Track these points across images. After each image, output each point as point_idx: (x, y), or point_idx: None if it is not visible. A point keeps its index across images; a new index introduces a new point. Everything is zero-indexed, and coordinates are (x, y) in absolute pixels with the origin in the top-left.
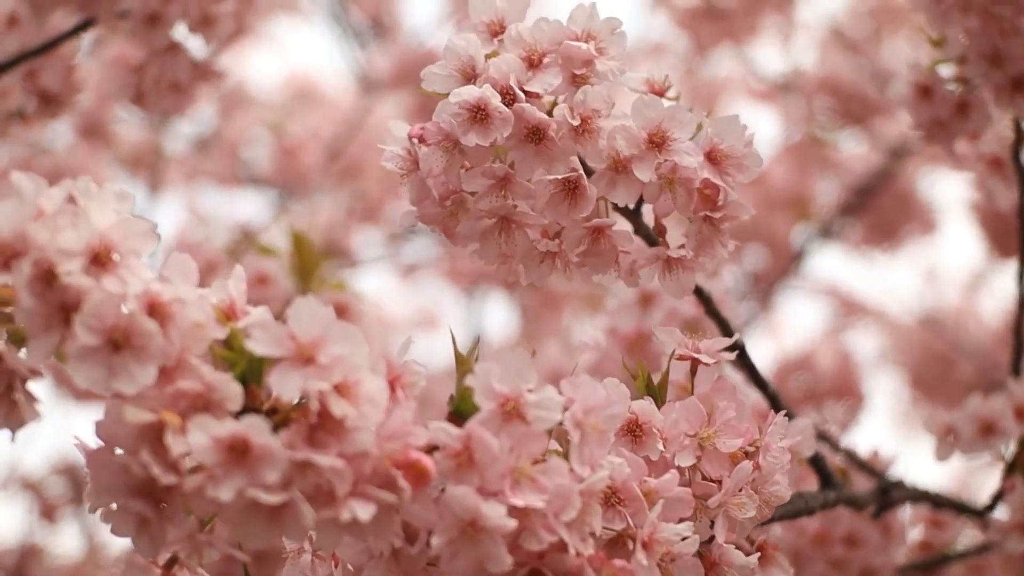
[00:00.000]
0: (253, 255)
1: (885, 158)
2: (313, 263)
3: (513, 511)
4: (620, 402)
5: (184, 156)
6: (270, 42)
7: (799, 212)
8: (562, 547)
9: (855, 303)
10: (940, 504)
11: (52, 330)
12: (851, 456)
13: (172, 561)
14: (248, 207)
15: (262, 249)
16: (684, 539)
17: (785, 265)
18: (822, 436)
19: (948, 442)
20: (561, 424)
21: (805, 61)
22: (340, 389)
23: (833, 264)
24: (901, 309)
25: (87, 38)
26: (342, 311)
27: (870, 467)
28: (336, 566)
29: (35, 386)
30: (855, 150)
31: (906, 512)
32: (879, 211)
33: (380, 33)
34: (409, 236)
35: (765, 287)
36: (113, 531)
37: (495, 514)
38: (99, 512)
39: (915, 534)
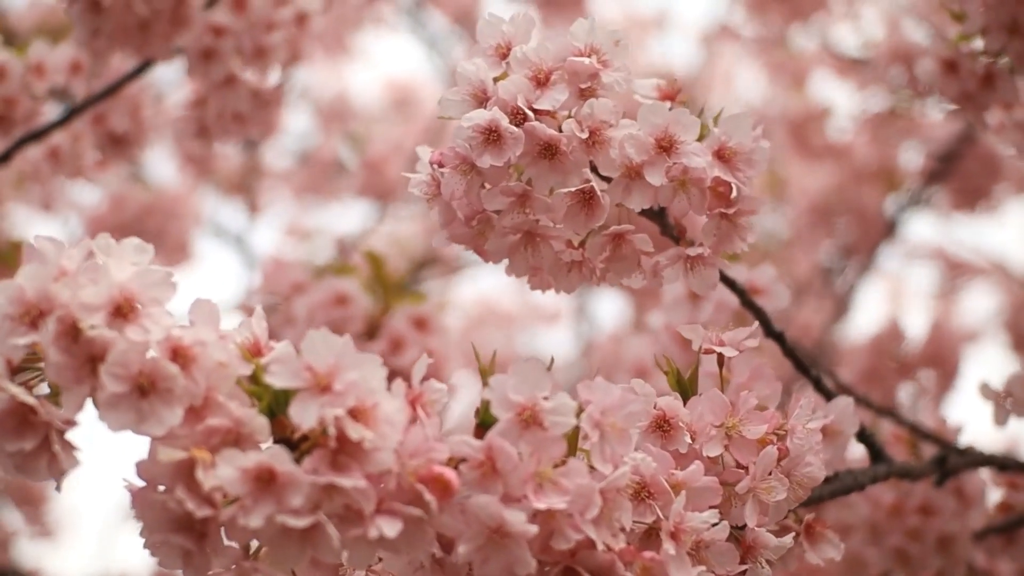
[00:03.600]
0: (331, 276)
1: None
2: (390, 281)
3: (538, 514)
4: (638, 400)
5: (287, 173)
6: (361, 55)
7: (887, 183)
8: (591, 544)
9: (963, 264)
10: (1005, 467)
11: (82, 382)
12: (915, 428)
13: None
14: (351, 220)
15: (340, 269)
16: (713, 526)
17: (878, 238)
18: (886, 412)
19: (1005, 406)
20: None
21: (877, 33)
22: (357, 413)
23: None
24: (1009, 268)
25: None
26: (422, 324)
27: (936, 437)
28: None
29: (73, 435)
30: (935, 117)
31: (980, 477)
32: (966, 175)
33: (462, 36)
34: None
35: (864, 256)
36: (161, 564)
37: (518, 520)
38: (149, 548)
39: (995, 498)
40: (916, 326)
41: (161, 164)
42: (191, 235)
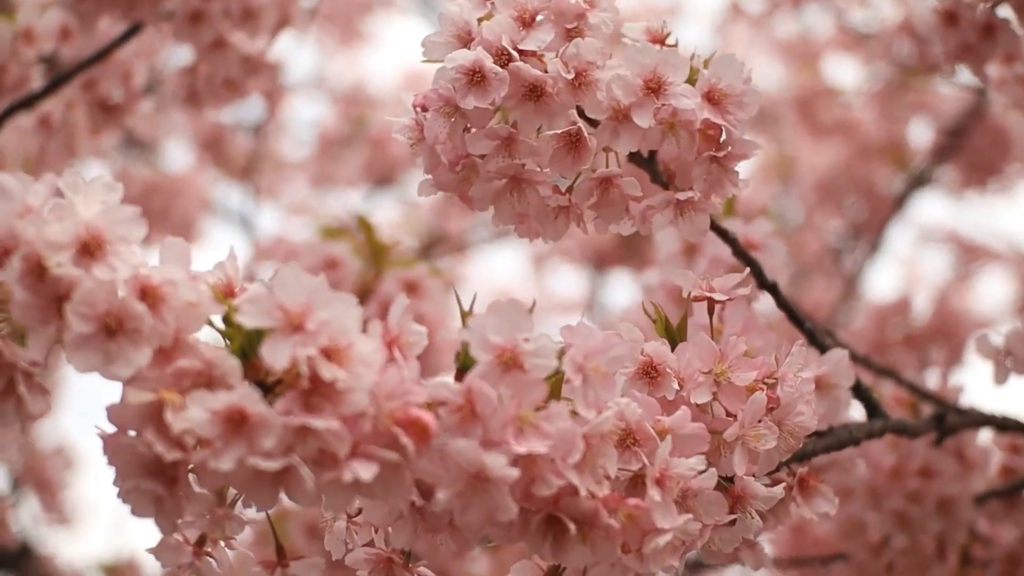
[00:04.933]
0: (321, 241)
1: (973, 96)
2: (383, 246)
3: (519, 459)
4: (623, 344)
5: (294, 156)
6: (374, 40)
7: (895, 160)
8: (574, 491)
9: (977, 247)
10: (1005, 428)
11: (48, 322)
12: (914, 387)
13: (203, 539)
14: (356, 202)
15: (330, 233)
16: (700, 473)
17: (886, 215)
18: (887, 373)
19: (1005, 365)
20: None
21: (884, 7)
22: (330, 353)
23: (938, 213)
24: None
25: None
26: (413, 288)
27: (936, 397)
28: (376, 532)
29: (43, 377)
30: (943, 92)
31: (979, 439)
32: (975, 151)
33: None
34: None
35: (872, 234)
36: (132, 512)
37: (498, 464)
38: (121, 496)
39: (996, 460)
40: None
41: (178, 152)
42: (197, 215)
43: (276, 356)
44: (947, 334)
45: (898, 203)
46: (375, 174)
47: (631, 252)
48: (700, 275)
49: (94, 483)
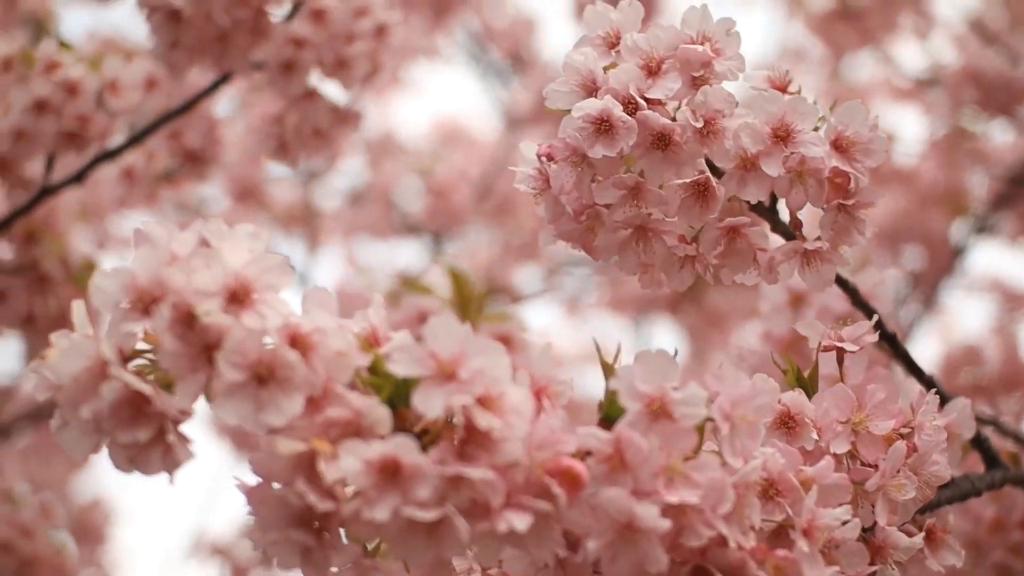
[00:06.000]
0: (412, 295)
1: None
2: (472, 298)
3: (668, 509)
4: (767, 392)
5: (339, 210)
6: (414, 88)
7: (954, 208)
8: (722, 542)
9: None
10: None
11: (198, 371)
12: (1019, 438)
13: None
14: (405, 254)
15: (420, 288)
16: (844, 523)
17: (944, 263)
18: (990, 421)
19: None
20: (710, 419)
21: (945, 55)
22: (484, 402)
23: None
24: None
25: (232, 100)
26: (505, 341)
27: None
28: None
29: (188, 428)
30: (1003, 140)
31: None
32: None
33: (520, 69)
34: (569, 269)
35: (927, 287)
36: (279, 565)
37: (649, 514)
38: (264, 548)
39: None
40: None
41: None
42: None
43: (429, 405)
44: (1018, 382)
45: (956, 252)
46: (436, 222)
47: (687, 297)
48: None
49: (132, 535)
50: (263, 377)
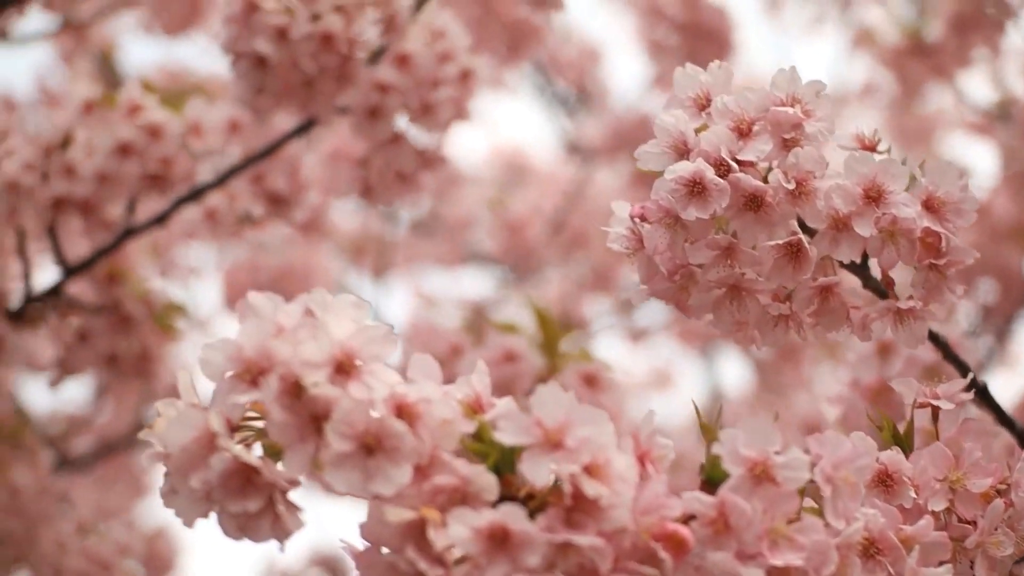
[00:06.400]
0: (497, 334)
1: None
2: (557, 336)
3: (773, 572)
4: (868, 454)
5: (404, 239)
6: (477, 117)
7: None
8: None
9: None
10: None
11: (306, 440)
12: None
13: None
14: (473, 285)
15: (505, 327)
16: None
17: (1017, 296)
18: None
19: None
20: (812, 481)
21: (1017, 88)
22: (590, 470)
23: None
24: None
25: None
26: (591, 381)
27: None
28: None
29: (295, 495)
30: None
31: None
32: None
33: (585, 100)
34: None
35: (1000, 320)
36: None
37: None
38: None
39: None
40: None
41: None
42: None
43: (537, 473)
44: None
45: None
46: (510, 258)
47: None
48: (896, 376)
49: (200, 564)
50: (371, 447)
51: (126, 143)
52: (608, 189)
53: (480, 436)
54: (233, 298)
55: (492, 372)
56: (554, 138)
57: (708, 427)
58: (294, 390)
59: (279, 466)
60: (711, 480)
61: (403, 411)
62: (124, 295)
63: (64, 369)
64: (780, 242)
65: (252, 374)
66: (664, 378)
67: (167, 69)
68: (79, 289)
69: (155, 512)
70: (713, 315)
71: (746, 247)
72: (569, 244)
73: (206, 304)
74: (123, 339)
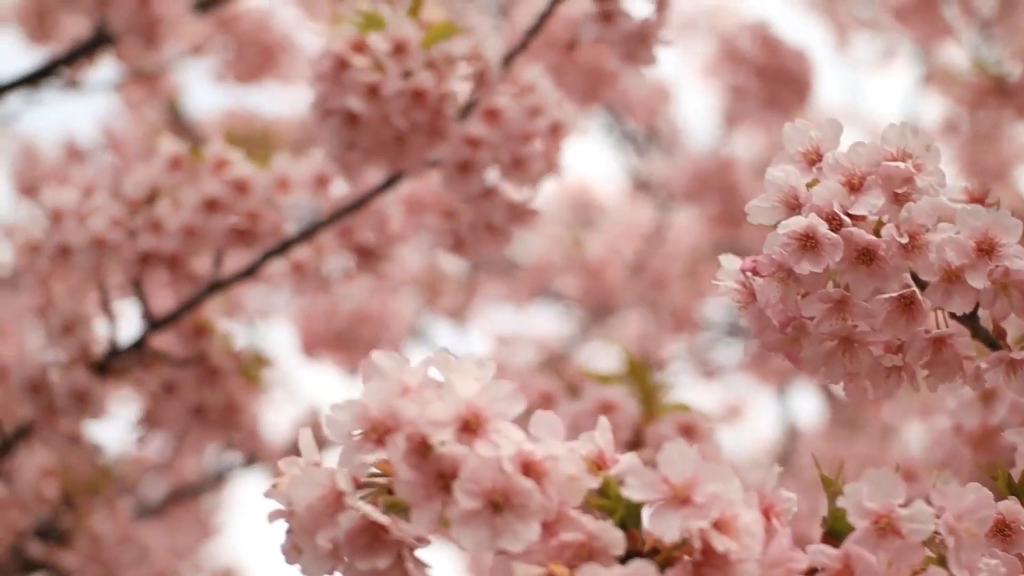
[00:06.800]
0: (593, 384)
1: None
2: (655, 388)
3: None
4: (989, 505)
5: (474, 278)
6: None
7: None
8: None
9: None
10: None
11: (433, 498)
12: None
13: None
14: (546, 324)
15: (601, 377)
16: None
17: None
18: None
19: None
20: (936, 533)
21: None
22: (719, 525)
23: None
24: None
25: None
26: (690, 431)
27: None
28: None
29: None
30: None
31: None
32: None
33: (654, 139)
34: (720, 341)
35: None
36: None
37: None
38: None
39: None
40: None
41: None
42: (402, 343)
43: (665, 529)
44: None
45: None
46: (590, 300)
47: None
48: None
49: None
50: (499, 504)
51: (213, 198)
52: (686, 231)
53: (605, 492)
54: (309, 345)
55: (590, 423)
56: (622, 176)
57: (830, 480)
58: (421, 449)
59: (406, 523)
60: (834, 532)
61: (530, 468)
62: (210, 347)
63: (151, 422)
64: (893, 295)
65: (378, 433)
66: (735, 412)
67: (232, 114)
68: (164, 341)
69: (221, 554)
70: (825, 366)
71: (859, 300)
72: (648, 286)
73: (273, 346)
74: (210, 391)
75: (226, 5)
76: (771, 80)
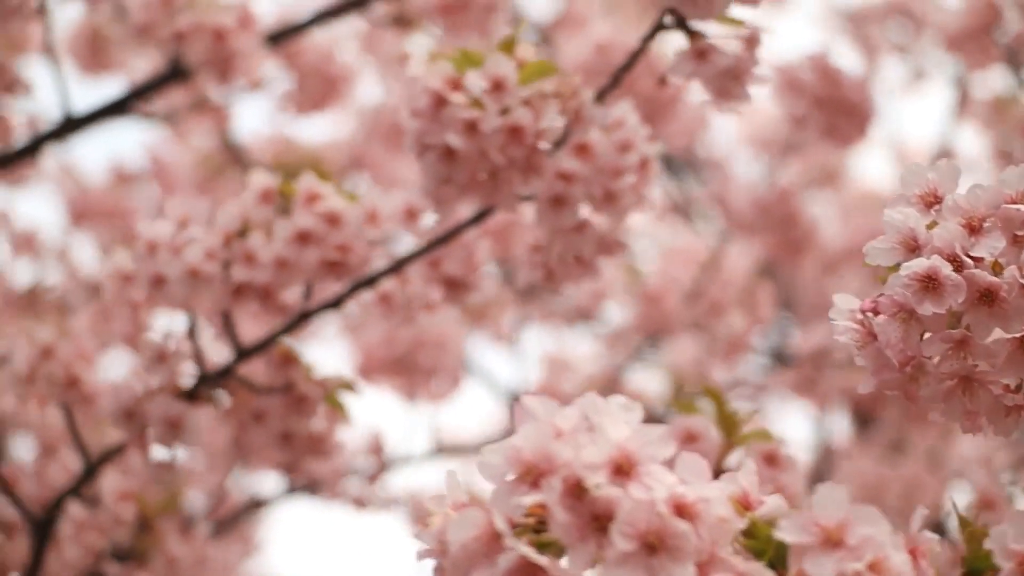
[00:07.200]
0: (677, 414)
1: None
2: (736, 419)
3: None
4: None
5: (524, 301)
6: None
7: None
8: None
9: None
10: None
11: (587, 540)
12: None
13: None
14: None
15: (685, 407)
16: None
17: None
18: None
19: None
20: None
21: None
22: (872, 567)
23: None
24: None
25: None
26: (772, 460)
27: None
28: None
29: None
30: None
31: None
32: None
33: (692, 164)
34: (764, 367)
35: None
36: None
37: None
38: None
39: None
40: None
41: None
42: (459, 371)
43: (821, 572)
44: None
45: None
46: (647, 328)
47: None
48: None
49: None
50: (654, 546)
51: (306, 231)
52: (740, 259)
53: (753, 533)
54: (369, 371)
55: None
56: (660, 198)
57: (967, 520)
58: (576, 491)
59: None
60: (974, 572)
61: (683, 510)
62: (298, 376)
63: (240, 449)
64: (1016, 336)
65: (533, 476)
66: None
67: (278, 141)
68: (248, 370)
69: (261, 570)
70: (944, 404)
71: (980, 340)
72: (704, 313)
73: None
74: (297, 419)
75: (294, 39)
76: (831, 110)
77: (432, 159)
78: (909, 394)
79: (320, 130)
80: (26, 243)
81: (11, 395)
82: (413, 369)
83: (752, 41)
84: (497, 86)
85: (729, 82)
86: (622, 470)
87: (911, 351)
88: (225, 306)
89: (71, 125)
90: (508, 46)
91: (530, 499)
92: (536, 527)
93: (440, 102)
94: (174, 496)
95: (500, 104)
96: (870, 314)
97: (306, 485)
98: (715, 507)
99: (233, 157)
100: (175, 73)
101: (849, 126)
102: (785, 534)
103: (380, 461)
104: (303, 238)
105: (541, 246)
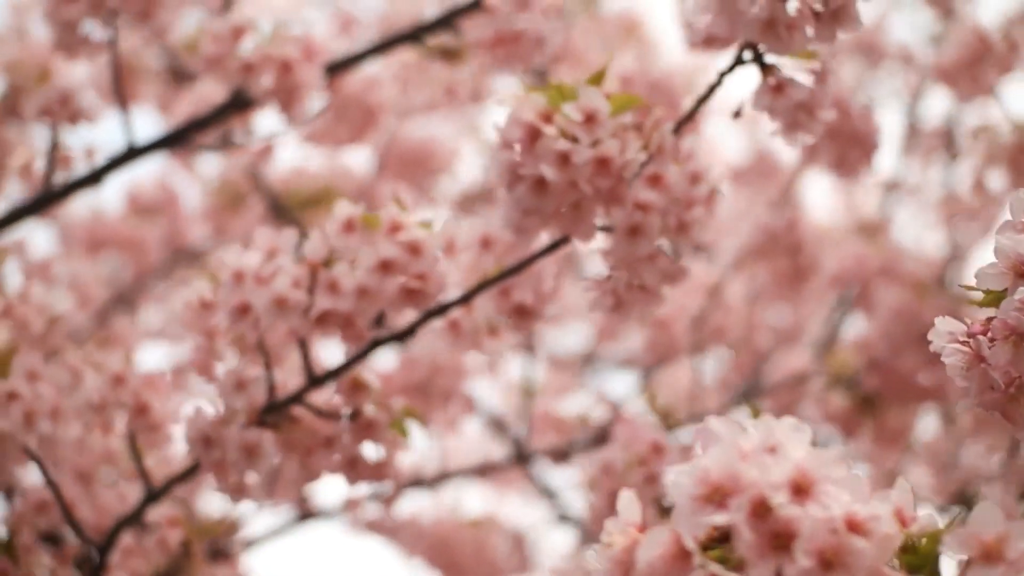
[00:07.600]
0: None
1: None
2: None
3: None
4: None
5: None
6: None
7: None
8: None
9: None
10: None
11: (767, 557)
12: None
13: None
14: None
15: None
16: None
17: None
18: None
19: None
20: None
21: None
22: None
23: None
24: None
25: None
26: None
27: None
28: None
29: None
30: None
31: None
32: None
33: None
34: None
35: None
36: None
37: None
38: None
39: None
40: None
41: None
42: (470, 391)
43: None
44: None
45: None
46: (653, 357)
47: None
48: None
49: None
50: (830, 563)
51: (389, 260)
52: (744, 286)
53: (911, 548)
54: (387, 395)
55: None
56: None
57: None
58: (760, 510)
59: None
60: None
61: (856, 528)
62: (366, 402)
63: (309, 473)
64: None
65: (719, 496)
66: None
67: (298, 171)
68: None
69: None
70: None
71: None
72: (706, 341)
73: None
74: (364, 444)
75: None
76: (841, 141)
77: (523, 190)
78: (1009, 414)
79: (331, 160)
80: (41, 272)
81: (78, 423)
82: (430, 394)
83: (824, 75)
84: (590, 119)
85: (802, 115)
86: (800, 489)
87: (1016, 372)
88: (306, 334)
89: (133, 154)
90: (597, 79)
91: (719, 519)
92: (707, 544)
93: (534, 134)
94: (233, 522)
95: (592, 136)
96: (980, 337)
97: (313, 513)
98: (884, 525)
99: (253, 186)
100: (236, 104)
101: (858, 157)
102: (950, 548)
103: (397, 485)
104: (385, 267)
105: (610, 276)
